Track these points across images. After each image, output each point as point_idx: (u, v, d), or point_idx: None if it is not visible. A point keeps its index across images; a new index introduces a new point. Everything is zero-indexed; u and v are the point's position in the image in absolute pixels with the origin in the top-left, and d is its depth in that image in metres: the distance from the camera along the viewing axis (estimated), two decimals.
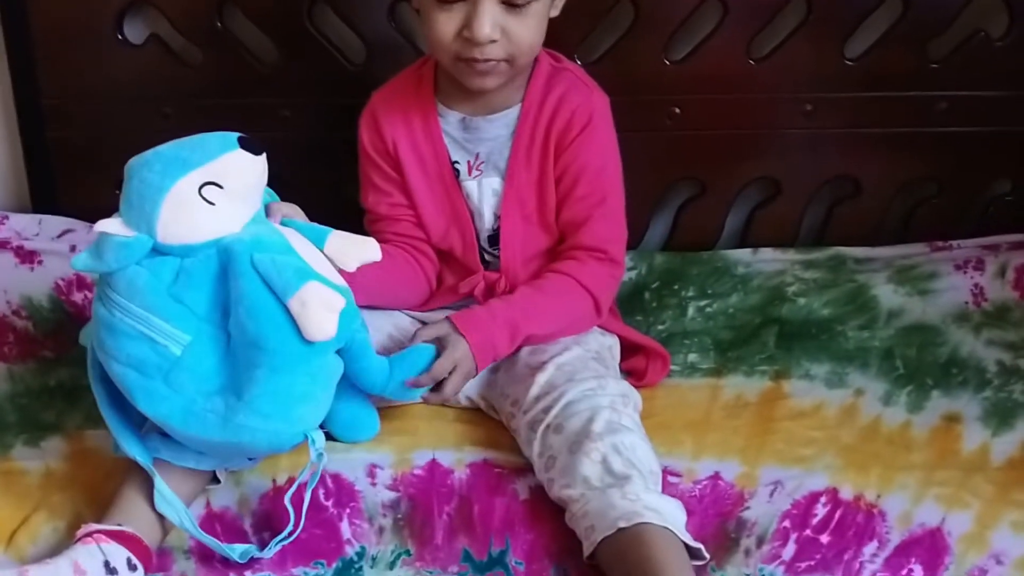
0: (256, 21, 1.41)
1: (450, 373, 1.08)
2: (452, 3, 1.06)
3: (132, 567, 0.96)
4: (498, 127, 1.17)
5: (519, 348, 1.16)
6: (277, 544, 1.00)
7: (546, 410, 1.08)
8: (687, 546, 0.97)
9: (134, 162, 0.99)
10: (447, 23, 1.07)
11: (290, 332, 0.95)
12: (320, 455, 1.00)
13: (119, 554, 0.96)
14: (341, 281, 1.01)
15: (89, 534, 0.97)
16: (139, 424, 1.04)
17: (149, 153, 0.99)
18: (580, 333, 1.19)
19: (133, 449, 1.01)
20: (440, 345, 1.08)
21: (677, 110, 1.41)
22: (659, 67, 1.40)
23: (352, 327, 1.01)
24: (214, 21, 1.41)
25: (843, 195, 1.47)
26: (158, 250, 0.97)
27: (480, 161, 1.18)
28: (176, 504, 0.99)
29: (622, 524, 0.95)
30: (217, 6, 1.40)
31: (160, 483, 0.99)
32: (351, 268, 1.02)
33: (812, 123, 1.41)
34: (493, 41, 1.06)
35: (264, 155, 0.99)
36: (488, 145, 1.18)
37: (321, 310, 0.94)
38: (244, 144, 0.98)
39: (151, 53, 1.43)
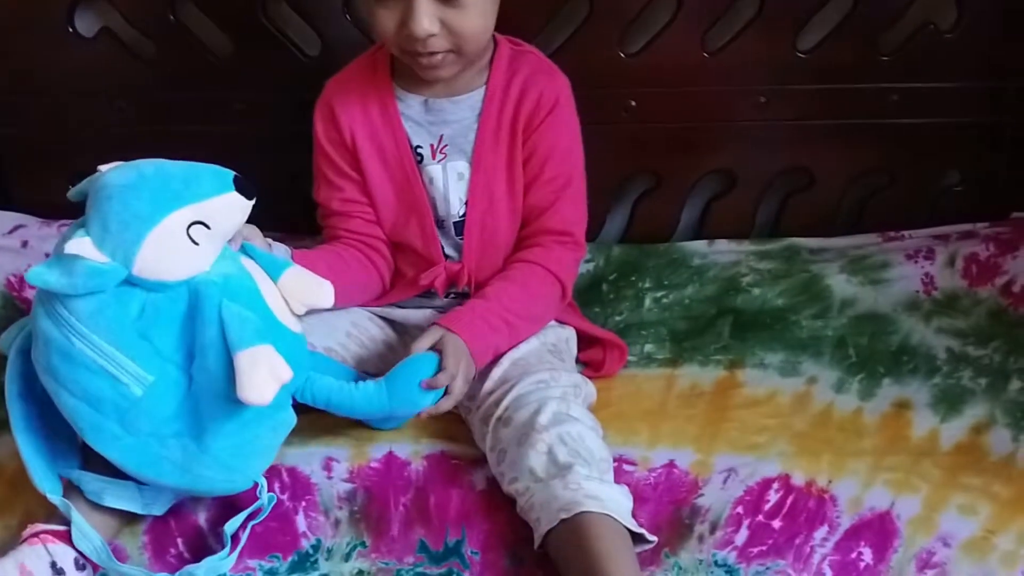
0: (209, 14, 1.40)
1: None
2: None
3: (80, 567, 0.95)
4: (463, 109, 1.16)
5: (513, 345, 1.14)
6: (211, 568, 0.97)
7: (497, 403, 1.09)
8: (633, 532, 0.98)
9: (114, 180, 0.93)
10: (387, 19, 1.07)
11: None
12: (272, 499, 1.00)
13: (66, 554, 0.94)
14: (299, 328, 1.00)
15: (36, 534, 0.95)
16: (60, 448, 1.00)
17: (132, 173, 0.93)
18: (545, 320, 1.19)
19: (44, 483, 0.97)
20: (437, 351, 1.06)
21: (633, 103, 1.42)
22: (615, 60, 1.40)
23: (291, 391, 0.99)
24: (167, 13, 1.40)
25: (797, 186, 1.49)
26: (128, 280, 0.92)
27: (444, 144, 1.17)
28: (94, 539, 0.95)
29: (563, 515, 0.96)
30: None
31: (77, 518, 0.95)
32: (299, 312, 0.99)
33: (765, 115, 1.43)
34: (432, 35, 1.06)
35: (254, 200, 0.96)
36: (452, 127, 1.17)
37: (266, 374, 0.90)
38: (239, 186, 0.94)
39: (103, 46, 1.42)
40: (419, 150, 1.18)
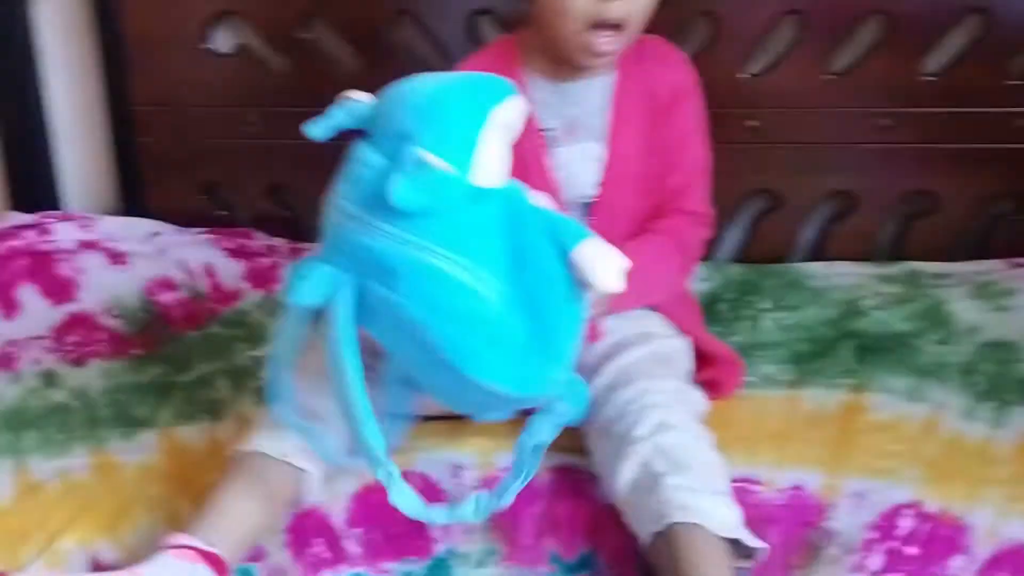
0: (339, 31, 1.45)
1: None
2: None
3: None
4: (594, 91, 1.16)
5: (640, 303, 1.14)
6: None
7: (599, 414, 1.09)
8: (738, 542, 0.97)
9: (424, 86, 0.88)
10: None
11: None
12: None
13: (204, 574, 0.93)
14: None
15: (181, 547, 0.94)
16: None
17: (436, 79, 0.88)
18: (661, 294, 1.18)
19: (377, 443, 0.92)
20: None
21: (754, 123, 1.42)
22: (737, 80, 1.41)
23: None
24: (298, 31, 1.45)
25: (920, 210, 1.47)
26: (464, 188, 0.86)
27: (574, 126, 1.17)
28: (413, 499, 0.95)
29: (654, 528, 0.97)
30: (302, 17, 1.44)
31: (400, 483, 0.94)
32: (596, 285, 0.91)
33: (889, 137, 1.42)
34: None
35: None
36: (583, 108, 1.17)
37: (613, 259, 0.88)
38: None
39: (237, 62, 1.47)
40: (550, 132, 1.17)
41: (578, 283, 0.90)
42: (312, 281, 0.89)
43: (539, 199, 0.95)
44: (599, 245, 0.89)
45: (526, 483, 1.00)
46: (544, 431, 0.98)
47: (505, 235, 0.88)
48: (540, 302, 0.92)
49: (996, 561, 1.02)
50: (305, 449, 1.01)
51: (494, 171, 0.88)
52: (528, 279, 0.91)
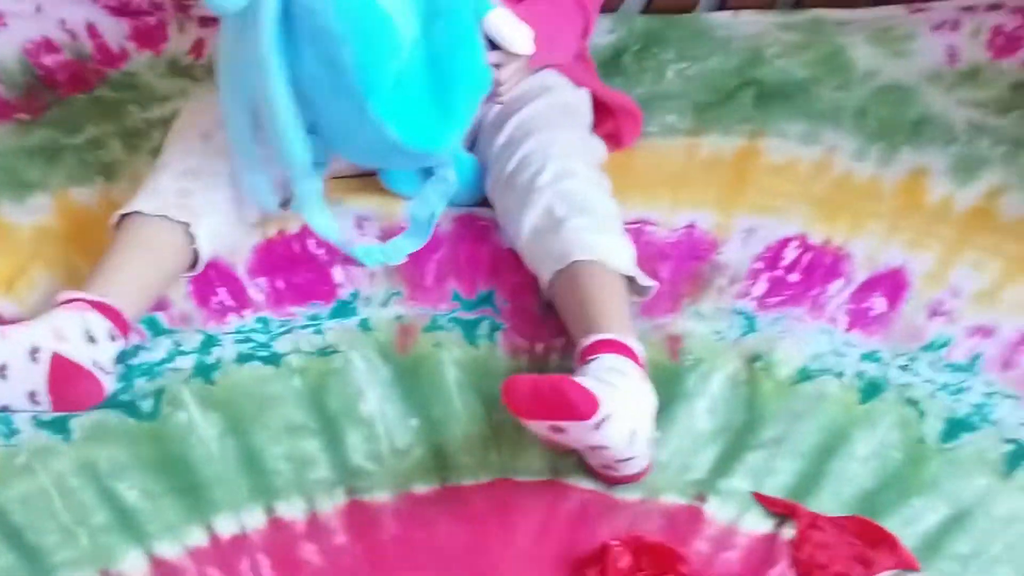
0: None
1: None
2: None
3: (112, 338, 0.95)
4: None
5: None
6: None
7: (503, 167, 1.10)
8: (632, 280, 1.02)
9: None
10: None
11: None
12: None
13: (101, 325, 0.94)
14: None
15: (71, 300, 0.95)
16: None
17: None
18: (563, 54, 1.18)
19: (302, 152, 0.97)
20: None
21: None
22: None
23: None
24: None
25: None
26: None
27: None
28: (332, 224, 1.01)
29: (556, 266, 1.00)
30: None
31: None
32: (508, 47, 1.02)
33: None
34: None
35: None
36: None
37: (520, 25, 0.99)
38: None
39: None
40: None
41: (487, 46, 0.93)
42: None
43: None
44: (503, 13, 0.93)
45: (417, 248, 1.05)
46: (433, 201, 1.04)
47: None
48: (446, 59, 0.95)
49: (872, 283, 1.09)
50: (185, 205, 1.02)
51: None
52: (438, 35, 0.93)
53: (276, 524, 0.87)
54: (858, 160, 1.25)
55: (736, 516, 0.88)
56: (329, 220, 1.01)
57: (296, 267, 1.08)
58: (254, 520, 0.87)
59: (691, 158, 1.26)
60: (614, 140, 1.25)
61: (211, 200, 1.04)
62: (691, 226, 1.15)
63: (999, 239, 1.14)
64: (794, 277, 1.10)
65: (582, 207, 1.05)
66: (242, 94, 0.97)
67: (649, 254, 1.10)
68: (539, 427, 0.86)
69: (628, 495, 0.89)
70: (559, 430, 0.84)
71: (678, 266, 1.11)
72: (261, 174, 1.02)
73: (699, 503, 0.89)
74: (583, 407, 0.82)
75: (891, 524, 0.86)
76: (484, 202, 1.15)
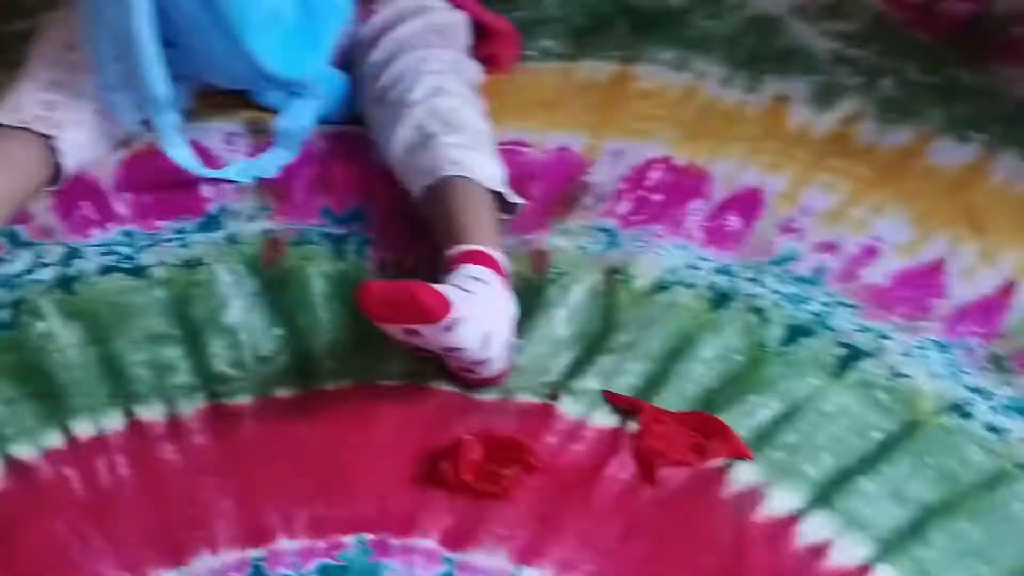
0: None
1: None
2: None
3: None
4: None
5: None
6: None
7: (376, 83, 1.12)
8: (502, 197, 1.04)
9: None
10: None
11: None
12: None
13: None
14: None
15: None
16: None
17: None
18: None
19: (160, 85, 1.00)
20: None
21: None
22: None
23: None
24: None
25: None
26: None
27: None
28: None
29: (427, 181, 1.03)
30: None
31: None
32: None
33: None
34: None
35: None
36: None
37: None
38: None
39: None
40: None
41: None
42: None
43: None
44: None
45: (288, 161, 1.07)
46: (303, 116, 1.07)
47: None
48: None
49: (730, 202, 1.14)
50: (49, 118, 1.00)
51: None
52: None
53: (135, 427, 0.89)
54: (725, 87, 1.30)
55: (585, 413, 0.93)
56: (188, 151, 1.03)
57: (163, 181, 1.08)
58: (113, 423, 0.89)
59: (566, 82, 1.28)
60: (492, 63, 1.27)
61: (76, 113, 1.03)
62: (563, 148, 1.19)
63: (851, 163, 1.20)
64: (657, 197, 1.14)
65: (453, 124, 1.07)
66: (104, 18, 0.97)
67: (521, 174, 1.13)
68: (395, 330, 0.88)
69: (485, 396, 0.93)
70: (414, 332, 0.87)
71: (548, 186, 1.14)
72: (122, 94, 1.01)
73: (552, 401, 0.93)
74: (434, 309, 0.85)
75: (728, 418, 0.91)
76: (358, 121, 1.16)
